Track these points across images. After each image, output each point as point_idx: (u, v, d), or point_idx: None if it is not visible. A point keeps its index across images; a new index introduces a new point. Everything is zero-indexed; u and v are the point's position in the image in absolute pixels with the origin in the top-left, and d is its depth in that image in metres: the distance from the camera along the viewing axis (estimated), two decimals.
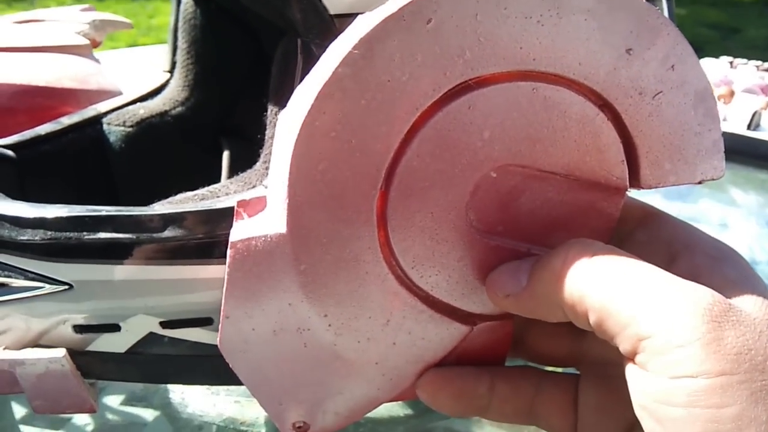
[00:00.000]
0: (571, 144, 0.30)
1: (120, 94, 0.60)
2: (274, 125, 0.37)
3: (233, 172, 0.52)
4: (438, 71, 0.28)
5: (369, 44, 0.27)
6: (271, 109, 0.37)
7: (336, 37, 0.28)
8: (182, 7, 0.52)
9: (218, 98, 0.53)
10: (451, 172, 0.29)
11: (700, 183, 0.31)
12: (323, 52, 0.28)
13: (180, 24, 0.52)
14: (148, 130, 0.50)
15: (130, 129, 0.50)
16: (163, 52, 0.54)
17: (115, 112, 0.50)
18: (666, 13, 0.42)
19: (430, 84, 0.28)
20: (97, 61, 0.62)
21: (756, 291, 0.26)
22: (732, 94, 0.87)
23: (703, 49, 4.87)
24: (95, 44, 0.70)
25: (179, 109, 0.52)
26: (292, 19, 0.32)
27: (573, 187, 0.31)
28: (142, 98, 0.52)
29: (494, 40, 0.28)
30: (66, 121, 0.48)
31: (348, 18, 0.31)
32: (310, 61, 0.31)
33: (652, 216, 0.32)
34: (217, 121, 0.54)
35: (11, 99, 0.55)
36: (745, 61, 1.02)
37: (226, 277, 0.29)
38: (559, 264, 0.27)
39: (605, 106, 0.30)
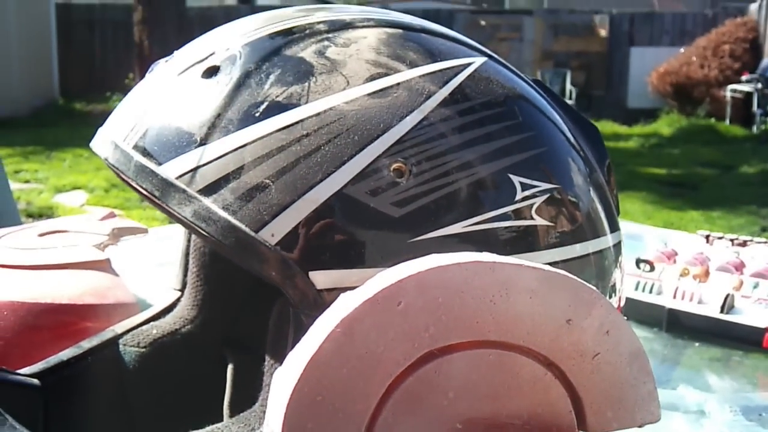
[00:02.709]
0: (525, 399, 0.35)
1: (135, 305, 0.66)
2: (271, 374, 0.42)
3: (236, 383, 0.57)
4: (407, 344, 0.33)
5: (350, 323, 0.33)
6: (268, 360, 0.43)
7: (323, 309, 0.34)
8: (193, 234, 0.58)
9: (223, 315, 0.58)
10: (422, 427, 0.34)
11: (640, 426, 0.36)
12: (311, 321, 0.34)
13: (191, 249, 0.58)
14: (160, 349, 0.56)
15: (144, 349, 0.55)
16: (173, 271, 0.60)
17: (130, 333, 0.56)
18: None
19: (401, 354, 0.33)
20: (115, 274, 0.68)
21: None
22: (707, 273, 0.92)
23: (698, 187, 5.00)
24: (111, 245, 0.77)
25: (188, 327, 0.57)
26: (286, 294, 0.38)
27: None
28: (155, 317, 0.58)
29: (454, 317, 0.33)
30: (86, 345, 0.53)
31: (333, 291, 0.37)
32: (301, 328, 0.36)
33: None
34: (222, 335, 0.59)
35: (37, 317, 0.60)
36: (720, 235, 1.08)
37: None
38: None
39: (552, 366, 0.35)
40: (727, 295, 0.86)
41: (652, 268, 0.94)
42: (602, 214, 0.45)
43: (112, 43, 7.96)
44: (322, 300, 0.37)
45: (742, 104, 7.05)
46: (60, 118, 6.56)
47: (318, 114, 0.39)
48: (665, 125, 7.31)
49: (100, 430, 0.42)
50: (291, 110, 0.39)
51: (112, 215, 0.80)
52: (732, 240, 1.06)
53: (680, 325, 0.86)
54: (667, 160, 6.06)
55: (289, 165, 0.37)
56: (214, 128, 0.39)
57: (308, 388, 0.33)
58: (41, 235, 0.74)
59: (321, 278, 0.37)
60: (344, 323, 0.33)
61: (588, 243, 0.43)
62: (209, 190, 0.38)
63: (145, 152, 0.40)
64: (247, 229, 0.37)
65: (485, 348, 0.34)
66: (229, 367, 0.58)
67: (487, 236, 0.39)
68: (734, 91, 7.02)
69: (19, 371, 0.49)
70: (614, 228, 0.46)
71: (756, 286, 0.89)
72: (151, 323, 0.58)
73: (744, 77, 7.00)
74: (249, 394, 0.45)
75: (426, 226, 0.38)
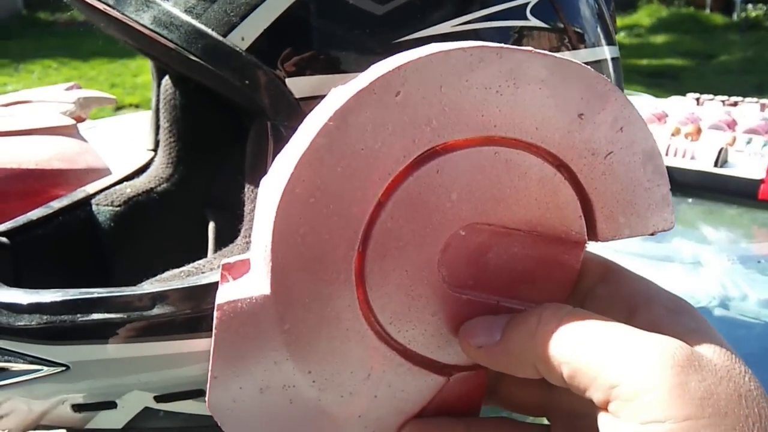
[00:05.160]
0: (532, 202, 0.32)
1: (107, 170, 0.62)
2: (252, 201, 0.39)
3: (219, 242, 0.54)
4: (407, 139, 0.30)
5: (343, 116, 0.29)
6: (247, 186, 0.39)
7: (302, 119, 0.30)
8: (162, 88, 0.54)
9: (201, 172, 0.55)
10: (423, 232, 0.31)
11: (652, 234, 0.33)
12: (291, 133, 0.30)
13: (161, 104, 0.54)
14: (136, 208, 0.52)
15: (118, 208, 0.52)
16: (145, 126, 0.57)
17: (103, 193, 0.52)
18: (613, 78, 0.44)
19: (400, 151, 0.30)
20: (84, 139, 0.64)
21: (714, 340, 0.28)
22: (699, 131, 0.89)
23: (679, 77, 4.97)
24: (80, 120, 0.73)
25: (164, 185, 0.54)
26: (261, 104, 0.34)
27: (536, 242, 0.33)
28: (129, 177, 0.54)
29: (458, 110, 0.30)
30: (56, 204, 0.50)
31: (312, 100, 0.33)
32: (280, 141, 0.33)
33: (611, 272, 0.34)
34: (202, 194, 0.55)
35: (3, 183, 0.57)
36: (711, 96, 1.05)
37: (213, 338, 0.31)
38: (534, 324, 0.29)
39: (562, 166, 0.32)
40: (721, 149, 0.84)
41: None
42: (599, 24, 0.41)
43: None
44: (301, 110, 0.33)
45: None
46: (25, 30, 6.33)
47: None
48: (645, 16, 7.20)
49: (74, 287, 0.39)
50: None
51: (77, 86, 0.75)
52: (723, 101, 1.03)
53: (673, 182, 0.84)
54: (648, 50, 5.99)
55: None
56: None
57: (300, 189, 0.29)
58: (4, 105, 0.70)
59: (299, 85, 0.33)
60: (337, 116, 0.29)
61: (586, 50, 0.39)
62: None
63: None
64: (213, 34, 0.33)
65: (491, 145, 0.31)
66: (211, 226, 0.55)
67: (479, 37, 0.35)
68: None
69: None
70: (611, 42, 0.43)
71: (749, 141, 0.87)
72: (125, 183, 0.54)
73: None
74: None
75: (412, 25, 0.34)
